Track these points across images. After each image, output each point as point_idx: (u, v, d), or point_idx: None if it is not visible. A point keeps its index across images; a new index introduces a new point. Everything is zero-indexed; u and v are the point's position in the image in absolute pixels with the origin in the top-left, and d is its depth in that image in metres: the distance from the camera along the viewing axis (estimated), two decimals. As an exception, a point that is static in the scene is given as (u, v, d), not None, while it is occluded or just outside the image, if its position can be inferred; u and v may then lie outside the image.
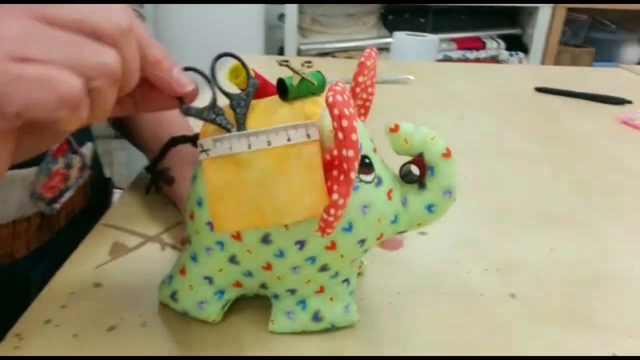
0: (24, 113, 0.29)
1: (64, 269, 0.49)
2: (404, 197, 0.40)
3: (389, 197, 0.39)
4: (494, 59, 2.40)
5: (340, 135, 0.34)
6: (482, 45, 2.38)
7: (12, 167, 0.35)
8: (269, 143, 0.37)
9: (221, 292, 0.42)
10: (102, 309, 0.44)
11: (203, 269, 0.42)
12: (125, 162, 2.20)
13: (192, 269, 0.42)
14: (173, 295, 0.43)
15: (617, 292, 0.50)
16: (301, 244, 0.38)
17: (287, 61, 0.40)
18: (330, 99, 0.34)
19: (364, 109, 0.45)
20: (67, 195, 0.62)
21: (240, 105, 0.38)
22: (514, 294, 0.48)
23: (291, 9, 2.29)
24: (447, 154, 0.40)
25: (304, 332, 0.42)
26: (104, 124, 0.54)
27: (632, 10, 2.35)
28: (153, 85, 0.36)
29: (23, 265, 0.60)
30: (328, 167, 0.36)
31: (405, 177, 0.41)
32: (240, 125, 0.38)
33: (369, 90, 0.44)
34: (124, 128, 0.70)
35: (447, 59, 2.36)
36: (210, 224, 0.39)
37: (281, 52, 2.47)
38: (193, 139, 0.38)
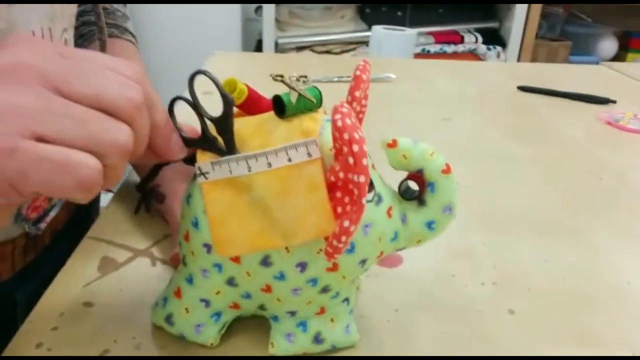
0: (42, 192, 0.29)
1: (53, 287, 0.48)
2: (403, 214, 0.40)
3: (389, 215, 0.39)
4: (472, 53, 2.40)
5: (351, 160, 0.33)
6: (460, 39, 2.38)
7: None
8: (269, 165, 0.36)
9: (218, 315, 0.41)
10: (94, 331, 0.43)
11: (199, 292, 0.40)
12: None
13: (188, 291, 0.41)
14: (168, 319, 0.42)
15: (614, 307, 0.49)
16: (302, 266, 0.37)
17: (281, 76, 0.39)
18: (340, 123, 0.33)
19: (358, 121, 0.44)
20: (52, 214, 0.61)
21: (224, 128, 0.37)
22: (512, 310, 0.48)
23: (268, 2, 2.27)
24: (447, 170, 0.39)
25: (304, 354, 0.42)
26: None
27: (608, 5, 2.37)
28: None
29: (8, 287, 0.58)
30: (331, 188, 0.36)
31: (405, 194, 0.41)
32: (231, 148, 0.37)
33: (363, 102, 0.43)
34: None
35: (425, 53, 2.36)
36: (207, 245, 0.38)
37: (259, 45, 2.45)
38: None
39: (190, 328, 0.41)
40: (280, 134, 0.37)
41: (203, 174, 0.37)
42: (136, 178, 0.67)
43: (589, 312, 0.48)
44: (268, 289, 0.39)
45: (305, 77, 0.40)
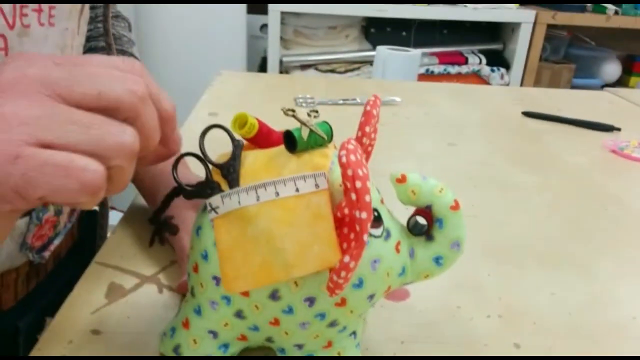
0: (46, 198, 0.29)
1: (61, 314, 0.48)
2: (412, 249, 0.40)
3: (397, 250, 0.39)
4: (476, 74, 2.42)
5: (353, 196, 0.33)
6: (464, 61, 2.39)
7: None
8: (277, 194, 0.37)
9: (225, 346, 0.42)
10: (102, 360, 0.43)
11: (207, 323, 0.41)
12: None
13: (196, 322, 0.41)
14: (176, 349, 0.42)
15: (620, 343, 0.49)
16: (311, 300, 0.38)
17: (293, 111, 0.39)
18: (344, 159, 0.33)
19: (366, 154, 0.45)
20: (56, 242, 0.61)
21: (230, 172, 0.38)
22: (518, 344, 0.48)
23: (273, 20, 2.28)
24: (456, 207, 0.39)
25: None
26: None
27: (611, 28, 2.39)
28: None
29: (11, 315, 0.58)
30: (338, 224, 0.36)
31: (413, 229, 0.41)
32: (234, 186, 0.38)
33: (372, 135, 0.44)
34: None
35: (429, 74, 2.38)
36: (216, 278, 0.38)
37: (264, 62, 2.47)
38: (196, 191, 0.38)
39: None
40: (291, 169, 0.38)
41: (213, 209, 0.37)
42: (142, 201, 0.67)
43: (593, 347, 0.48)
44: (276, 322, 0.39)
45: (317, 111, 0.41)
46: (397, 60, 1.70)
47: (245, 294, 0.38)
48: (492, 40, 2.51)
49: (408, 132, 1.02)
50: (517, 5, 2.35)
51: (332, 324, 0.39)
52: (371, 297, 0.39)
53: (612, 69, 2.55)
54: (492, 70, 2.40)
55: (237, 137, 0.41)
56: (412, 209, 0.40)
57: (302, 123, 0.39)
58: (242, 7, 2.23)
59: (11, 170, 0.28)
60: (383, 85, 1.34)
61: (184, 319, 0.42)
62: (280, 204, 0.36)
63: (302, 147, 0.38)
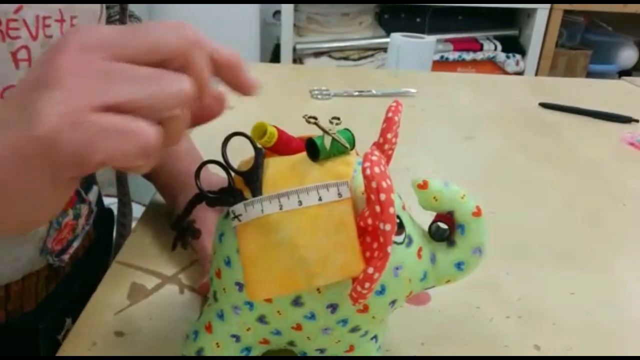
0: (106, 162, 0.29)
1: (85, 316, 0.49)
2: (433, 254, 0.40)
3: (419, 256, 0.39)
4: (491, 61, 2.40)
5: (377, 208, 0.33)
6: (479, 47, 2.37)
7: None
8: (300, 203, 0.37)
9: (248, 349, 0.42)
10: (126, 362, 0.44)
11: (230, 328, 0.41)
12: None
13: (219, 327, 0.41)
14: (199, 352, 0.42)
15: (639, 342, 0.50)
16: (333, 307, 0.38)
17: (315, 118, 0.39)
18: (368, 172, 0.33)
19: (386, 157, 0.45)
20: (75, 245, 0.62)
21: (253, 180, 0.38)
22: (538, 346, 0.48)
23: (287, 7, 2.28)
24: (478, 213, 0.40)
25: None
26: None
27: (629, 13, 2.36)
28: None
29: (31, 318, 0.59)
30: (361, 232, 0.36)
31: (435, 235, 0.41)
32: (257, 194, 0.38)
33: (393, 140, 0.43)
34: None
35: (444, 60, 2.36)
36: (239, 284, 0.39)
37: (277, 49, 2.46)
38: (219, 198, 0.38)
39: (222, 363, 0.42)
40: (314, 177, 0.38)
41: (237, 216, 0.37)
42: (160, 199, 0.67)
43: (614, 347, 0.48)
44: (298, 327, 0.39)
45: (339, 119, 0.41)
46: (411, 48, 1.68)
47: (268, 300, 0.38)
48: (508, 26, 2.49)
49: (424, 125, 1.01)
50: (533, -10, 2.33)
51: (354, 330, 0.40)
52: (393, 302, 0.39)
53: (628, 55, 2.52)
54: (508, 57, 2.38)
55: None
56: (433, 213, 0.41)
57: (325, 131, 0.39)
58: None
59: (70, 137, 0.28)
60: (398, 76, 1.33)
61: (206, 323, 0.42)
62: (304, 212, 0.36)
63: (324, 156, 0.39)
